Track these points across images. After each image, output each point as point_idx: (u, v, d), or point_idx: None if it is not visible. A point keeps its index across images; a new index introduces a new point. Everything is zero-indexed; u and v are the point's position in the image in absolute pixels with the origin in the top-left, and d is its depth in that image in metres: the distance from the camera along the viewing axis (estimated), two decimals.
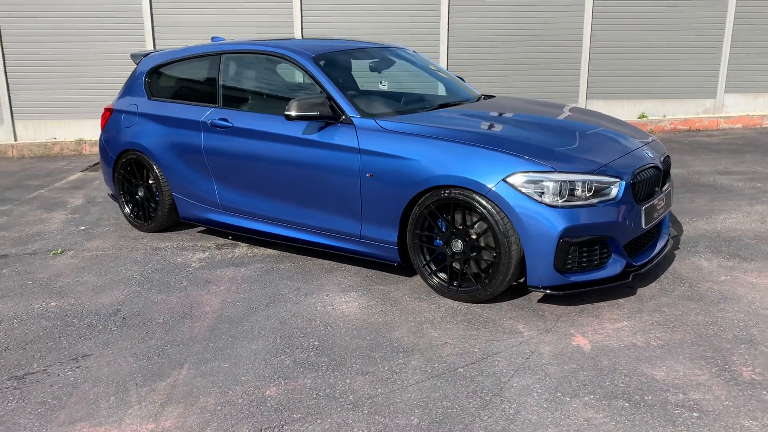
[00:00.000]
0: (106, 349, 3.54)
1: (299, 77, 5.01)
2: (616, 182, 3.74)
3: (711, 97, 10.34)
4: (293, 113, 4.20)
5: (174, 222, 5.51)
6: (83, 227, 5.86)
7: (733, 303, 3.83)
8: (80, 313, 4.01)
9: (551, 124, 4.46)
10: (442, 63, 9.74)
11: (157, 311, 4.00)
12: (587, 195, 3.67)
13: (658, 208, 4.06)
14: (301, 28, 9.57)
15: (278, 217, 4.69)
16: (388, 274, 4.45)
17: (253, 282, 4.40)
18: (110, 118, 5.75)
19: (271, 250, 5.00)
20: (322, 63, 4.64)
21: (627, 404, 2.86)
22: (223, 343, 3.55)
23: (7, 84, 9.55)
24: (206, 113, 5.00)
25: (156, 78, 5.57)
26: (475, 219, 3.82)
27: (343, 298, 4.09)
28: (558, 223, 3.59)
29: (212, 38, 6.09)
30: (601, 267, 3.79)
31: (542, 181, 3.62)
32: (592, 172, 3.71)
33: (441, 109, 4.65)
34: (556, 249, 3.61)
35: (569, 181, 3.64)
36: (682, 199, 6.06)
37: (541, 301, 3.94)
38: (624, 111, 10.21)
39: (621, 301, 3.91)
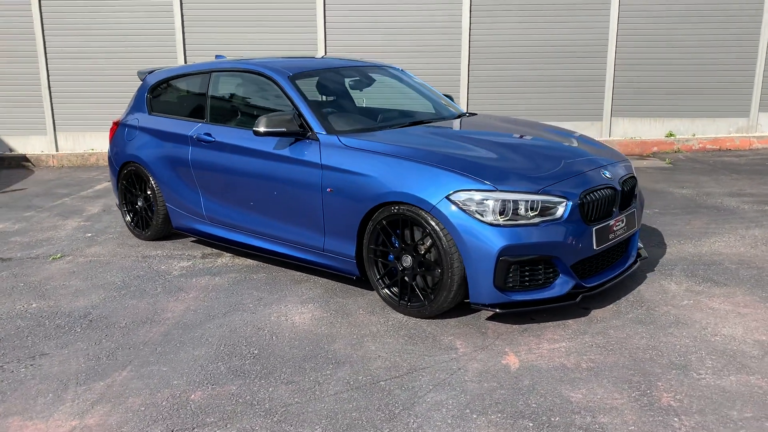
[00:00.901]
0: (64, 349, 3.76)
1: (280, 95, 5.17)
2: (562, 202, 3.74)
3: (744, 116, 10.00)
4: (261, 129, 4.37)
5: (169, 231, 5.76)
6: (90, 234, 6.19)
7: (684, 328, 3.75)
8: (54, 314, 4.27)
9: (512, 143, 4.48)
10: (463, 79, 9.79)
11: (123, 315, 4.21)
12: (531, 214, 3.68)
13: (614, 229, 4.02)
14: (325, 46, 9.81)
15: (254, 229, 4.86)
16: (352, 287, 4.54)
17: (222, 291, 4.57)
18: (116, 131, 6.07)
19: (251, 261, 5.17)
20: (298, 81, 4.79)
21: (531, 424, 2.87)
22: (170, 348, 3.72)
23: (51, 97, 10.15)
24: (194, 128, 5.23)
25: (156, 94, 5.85)
26: (422, 235, 3.88)
27: (300, 309, 4.21)
28: (497, 242, 3.61)
29: (216, 56, 6.35)
30: (546, 287, 3.78)
31: (483, 199, 3.66)
32: (535, 192, 3.72)
33: (411, 127, 4.73)
34: (496, 267, 3.63)
35: (512, 201, 3.66)
36: (678, 220, 5.92)
37: (489, 318, 3.96)
38: (651, 129, 10.00)
39: (569, 321, 3.89)
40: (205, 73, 5.42)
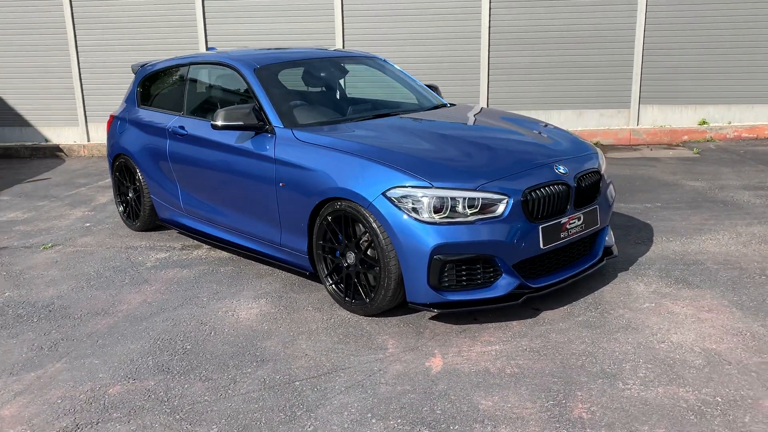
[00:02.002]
0: (13, 339, 3.88)
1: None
2: (502, 199, 3.58)
3: None
4: (219, 123, 4.36)
5: (157, 222, 5.85)
6: (88, 224, 6.37)
7: (631, 333, 3.54)
8: (20, 304, 4.40)
9: (466, 137, 4.31)
10: (483, 67, 9.54)
11: (82, 307, 4.31)
12: (470, 212, 3.54)
13: (568, 227, 3.82)
14: (343, 35, 9.74)
15: (223, 222, 4.88)
16: (311, 282, 4.50)
17: (184, 284, 4.61)
18: (111, 123, 6.20)
19: (225, 254, 5.20)
20: (263, 73, 4.76)
21: (427, 431, 2.77)
22: (111, 341, 3.78)
23: (82, 89, 10.48)
24: (171, 121, 5.29)
25: (144, 87, 5.94)
26: (362, 232, 3.80)
27: (250, 304, 4.20)
28: (429, 240, 3.50)
29: (207, 48, 6.39)
30: (486, 287, 3.64)
31: (418, 196, 3.55)
32: (473, 189, 3.57)
33: (375, 120, 4.63)
34: (429, 266, 3.52)
35: (448, 198, 3.53)
36: (676, 215, 5.61)
37: (433, 318, 3.85)
38: (682, 117, 9.50)
39: (513, 323, 3.73)
40: (184, 66, 5.46)
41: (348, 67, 5.47)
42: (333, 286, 4.06)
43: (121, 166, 5.96)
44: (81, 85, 10.46)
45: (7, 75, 10.49)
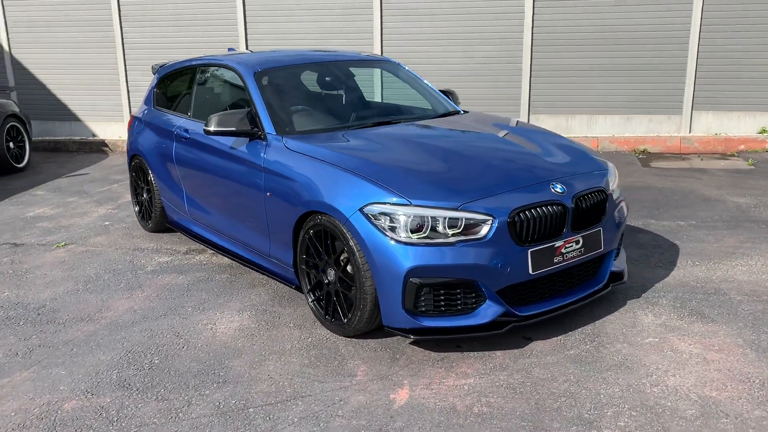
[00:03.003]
0: None
1: None
2: (486, 220, 3.31)
3: None
4: (211, 128, 4.24)
5: (167, 224, 5.81)
6: (107, 223, 6.40)
7: (624, 373, 3.21)
8: (13, 305, 4.41)
9: (462, 149, 4.00)
10: (525, 70, 9.15)
11: (70, 311, 4.28)
12: (451, 232, 3.29)
13: (563, 251, 3.51)
14: (381, 34, 9.53)
15: (221, 229, 4.77)
16: (301, 296, 4.32)
17: (175, 291, 4.52)
18: (131, 123, 6.21)
19: (226, 261, 5.09)
20: (264, 77, 4.62)
21: None
22: (84, 350, 3.71)
23: (127, 85, 10.66)
24: (178, 123, 5.22)
25: (161, 88, 5.91)
26: (341, 248, 3.60)
27: (233, 317, 4.07)
28: (405, 261, 3.26)
29: (228, 49, 6.31)
30: (467, 313, 3.38)
31: (396, 213, 3.32)
32: (455, 208, 3.31)
33: (374, 128, 4.41)
34: (404, 289, 3.30)
35: (428, 217, 3.29)
36: (710, 236, 5.16)
37: (414, 343, 3.61)
38: (740, 125, 8.86)
39: (498, 353, 3.46)
40: (194, 68, 5.38)
41: (360, 71, 5.28)
42: (314, 303, 3.88)
43: (137, 166, 5.95)
44: (126, 81, 10.63)
45: (58, 71, 10.78)
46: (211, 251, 5.33)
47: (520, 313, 3.44)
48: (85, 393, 3.26)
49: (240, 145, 4.39)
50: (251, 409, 3.05)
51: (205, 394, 3.20)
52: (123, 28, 10.46)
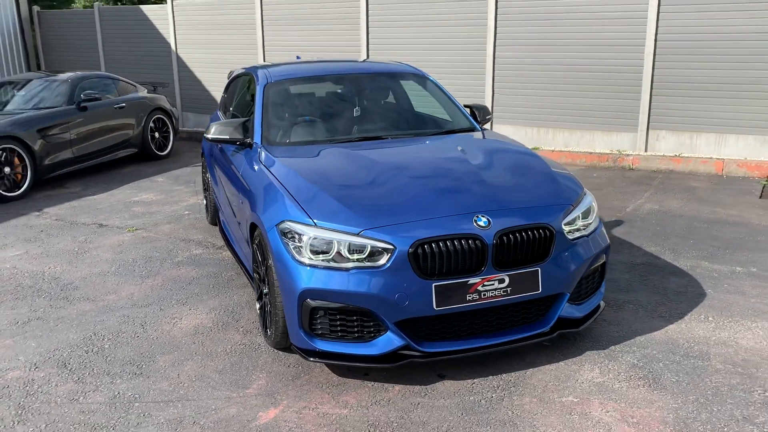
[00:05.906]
0: (9, 310, 4.50)
1: None
2: (388, 248, 3.19)
3: None
4: (209, 135, 4.54)
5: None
6: (187, 212, 7.02)
7: (503, 431, 2.93)
8: (50, 279, 5.07)
9: (410, 172, 3.78)
10: (645, 80, 8.34)
11: (86, 290, 4.82)
12: (354, 257, 3.23)
13: (479, 288, 3.26)
14: (494, 41, 9.27)
15: (228, 225, 5.10)
16: None
17: (179, 283, 4.89)
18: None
19: None
20: (273, 88, 4.82)
21: None
22: (64, 328, 4.19)
23: None
24: None
25: (225, 93, 6.36)
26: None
27: (200, 315, 4.32)
28: (300, 282, 3.28)
29: (296, 57, 6.60)
30: (364, 341, 3.30)
31: (301, 233, 3.33)
32: (355, 233, 3.24)
33: (355, 142, 4.44)
34: (300, 309, 3.30)
35: (333, 240, 3.26)
36: (755, 289, 4.40)
37: (330, 366, 3.58)
38: None
39: (396, 387, 3.33)
40: (239, 76, 5.74)
41: (386, 82, 5.24)
42: (260, 311, 4.00)
43: (203, 165, 6.48)
44: None
45: (211, 69, 11.93)
46: None
47: (423, 349, 3.28)
48: (31, 366, 3.70)
49: (237, 152, 4.64)
50: (137, 404, 3.27)
51: (114, 383, 3.48)
52: (265, 29, 11.27)
